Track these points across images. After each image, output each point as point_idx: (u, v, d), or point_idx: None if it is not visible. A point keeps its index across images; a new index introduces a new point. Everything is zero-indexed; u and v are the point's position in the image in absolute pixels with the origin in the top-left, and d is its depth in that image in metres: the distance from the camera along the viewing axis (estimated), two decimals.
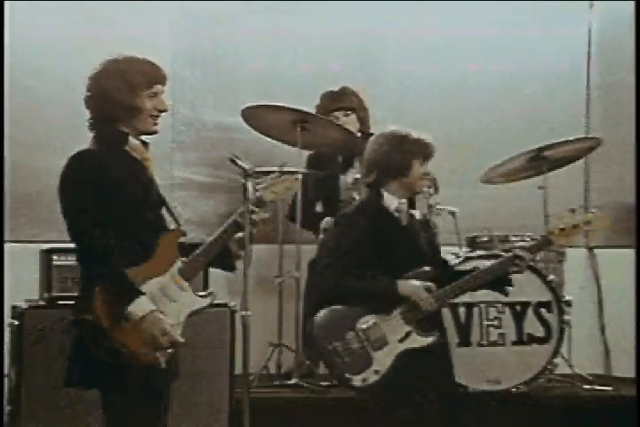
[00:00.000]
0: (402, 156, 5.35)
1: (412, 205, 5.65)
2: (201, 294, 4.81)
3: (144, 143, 4.79)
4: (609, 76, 7.88)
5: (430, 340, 5.16)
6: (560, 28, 7.85)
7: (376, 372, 5.10)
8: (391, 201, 5.37)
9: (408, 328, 5.16)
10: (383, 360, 5.13)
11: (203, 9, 7.33)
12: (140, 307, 4.49)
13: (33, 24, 7.16)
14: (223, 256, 4.85)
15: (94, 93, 4.71)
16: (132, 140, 4.74)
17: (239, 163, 4.78)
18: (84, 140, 4.63)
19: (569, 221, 5.24)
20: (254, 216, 4.72)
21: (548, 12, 7.78)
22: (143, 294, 4.53)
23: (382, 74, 7.48)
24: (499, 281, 5.46)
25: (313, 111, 6.88)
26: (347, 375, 5.12)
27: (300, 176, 5.12)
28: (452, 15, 7.65)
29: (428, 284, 5.25)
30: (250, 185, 4.75)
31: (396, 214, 5.38)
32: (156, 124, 4.77)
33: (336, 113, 6.92)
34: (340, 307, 5.34)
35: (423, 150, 5.41)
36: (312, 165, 7.01)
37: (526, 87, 7.74)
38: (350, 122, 6.86)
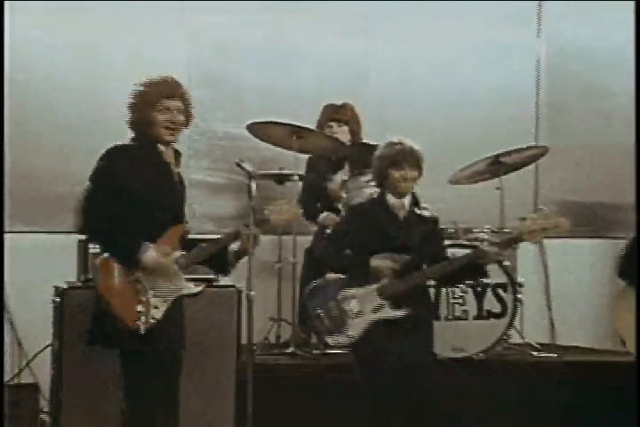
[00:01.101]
0: (380, 163, 5.39)
1: (417, 203, 5.59)
2: (194, 283, 4.87)
3: (177, 153, 4.86)
4: (554, 95, 7.92)
5: (400, 313, 5.17)
6: (514, 56, 7.84)
7: (349, 336, 5.19)
8: (391, 199, 5.39)
9: (381, 302, 5.20)
10: (356, 327, 5.20)
11: (213, 39, 7.33)
12: (148, 254, 4.59)
13: (60, 45, 7.10)
14: (220, 262, 4.89)
15: (128, 109, 4.82)
16: (161, 146, 4.81)
17: (244, 166, 4.91)
18: None
19: (541, 224, 5.22)
20: (254, 231, 4.74)
21: (503, 40, 7.79)
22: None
23: (367, 91, 7.47)
24: (476, 272, 5.49)
25: (315, 120, 6.91)
26: (325, 337, 5.29)
27: (301, 210, 5.02)
28: (428, 43, 7.64)
29: (396, 263, 5.24)
30: (253, 185, 4.82)
31: (395, 210, 5.39)
32: (172, 134, 4.79)
33: (331, 123, 6.89)
34: (326, 280, 5.46)
35: (396, 157, 5.35)
36: (311, 166, 7.04)
37: (486, 104, 7.72)
38: (342, 132, 6.84)
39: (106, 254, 4.65)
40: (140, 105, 4.79)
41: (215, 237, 4.92)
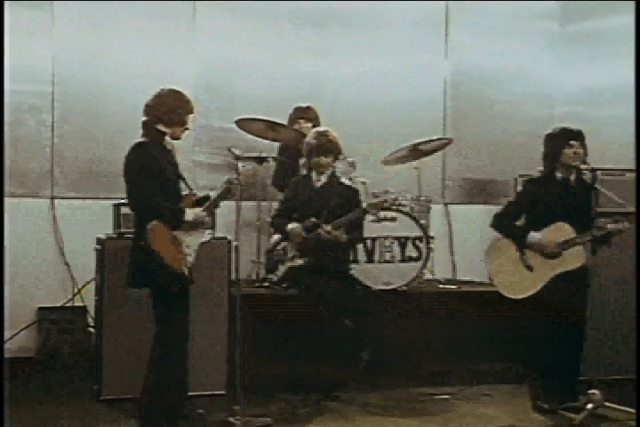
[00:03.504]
0: (306, 150, 5.55)
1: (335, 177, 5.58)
2: (207, 232, 5.01)
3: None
4: (456, 101, 7.90)
5: (301, 262, 5.28)
6: (428, 72, 7.82)
7: (276, 275, 5.39)
8: (314, 176, 5.53)
9: (294, 253, 5.33)
10: (280, 270, 5.39)
11: (213, 58, 7.24)
12: (190, 212, 4.68)
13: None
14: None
15: (157, 105, 4.74)
16: (167, 138, 4.80)
17: (233, 151, 4.96)
18: None
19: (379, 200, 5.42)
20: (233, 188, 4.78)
21: (420, 61, 7.78)
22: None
23: (323, 97, 7.37)
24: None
25: (286, 118, 6.79)
26: (268, 275, 5.43)
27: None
28: (367, 62, 7.60)
29: (301, 227, 5.32)
30: (240, 165, 4.85)
31: (314, 184, 5.50)
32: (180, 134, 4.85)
33: (300, 120, 6.78)
34: (278, 237, 5.58)
35: (312, 146, 5.45)
36: (281, 151, 6.90)
37: (408, 107, 7.67)
38: (307, 128, 6.59)
39: (154, 221, 4.61)
40: (182, 111, 4.77)
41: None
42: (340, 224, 5.33)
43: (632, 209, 5.14)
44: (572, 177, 5.31)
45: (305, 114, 6.89)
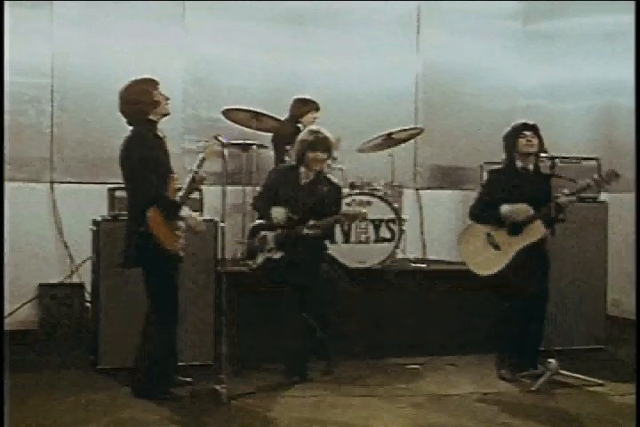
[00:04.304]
0: (300, 145, 5.34)
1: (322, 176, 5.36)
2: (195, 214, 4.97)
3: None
4: (427, 94, 7.91)
5: (279, 255, 5.12)
6: (401, 67, 7.84)
7: (254, 262, 5.20)
8: (302, 170, 5.33)
9: (273, 245, 5.17)
10: (258, 259, 5.21)
11: (202, 53, 7.21)
12: (186, 212, 4.76)
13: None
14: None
15: (129, 99, 4.68)
16: (158, 127, 4.76)
17: (220, 139, 4.87)
18: None
19: (352, 211, 5.35)
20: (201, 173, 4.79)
21: (393, 56, 7.79)
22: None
23: (303, 92, 7.11)
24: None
25: (264, 109, 6.54)
26: (246, 260, 5.26)
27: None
28: (345, 59, 7.60)
29: (285, 212, 5.17)
30: (225, 151, 4.83)
31: (305, 179, 5.33)
32: (168, 108, 4.77)
33: (315, 112, 6.71)
34: (260, 222, 5.42)
35: (312, 143, 5.25)
36: (275, 140, 6.75)
37: (384, 100, 7.67)
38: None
39: (153, 208, 4.58)
40: (146, 93, 4.70)
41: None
42: (316, 227, 5.18)
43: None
44: (531, 166, 5.38)
45: (316, 105, 6.81)
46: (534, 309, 5.32)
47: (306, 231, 5.15)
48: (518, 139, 5.30)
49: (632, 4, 7.27)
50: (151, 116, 4.74)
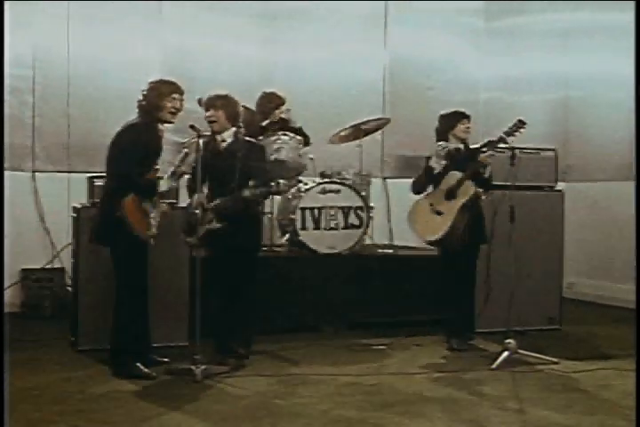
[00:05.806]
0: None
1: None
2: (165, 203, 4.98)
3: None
4: (394, 87, 7.96)
5: (218, 226, 4.85)
6: (369, 61, 7.89)
7: (196, 236, 4.84)
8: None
9: (211, 217, 4.90)
10: (199, 232, 4.85)
11: (177, 46, 7.22)
12: (163, 183, 4.74)
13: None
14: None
15: (144, 92, 4.76)
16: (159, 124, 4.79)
17: (196, 128, 4.82)
18: None
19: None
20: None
21: (361, 50, 7.85)
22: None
23: (275, 83, 7.03)
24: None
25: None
26: (186, 237, 4.95)
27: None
28: (314, 52, 7.66)
29: (202, 199, 4.90)
30: (201, 141, 4.78)
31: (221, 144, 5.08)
32: (173, 117, 4.79)
33: (282, 107, 6.47)
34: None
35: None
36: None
37: (352, 92, 7.74)
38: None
39: (130, 195, 4.61)
40: (154, 95, 4.74)
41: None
42: (223, 206, 4.92)
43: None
44: (461, 146, 5.62)
45: (282, 100, 6.56)
46: (465, 282, 5.60)
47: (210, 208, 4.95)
48: (458, 124, 5.55)
49: (588, 4, 7.39)
50: (154, 115, 4.77)
